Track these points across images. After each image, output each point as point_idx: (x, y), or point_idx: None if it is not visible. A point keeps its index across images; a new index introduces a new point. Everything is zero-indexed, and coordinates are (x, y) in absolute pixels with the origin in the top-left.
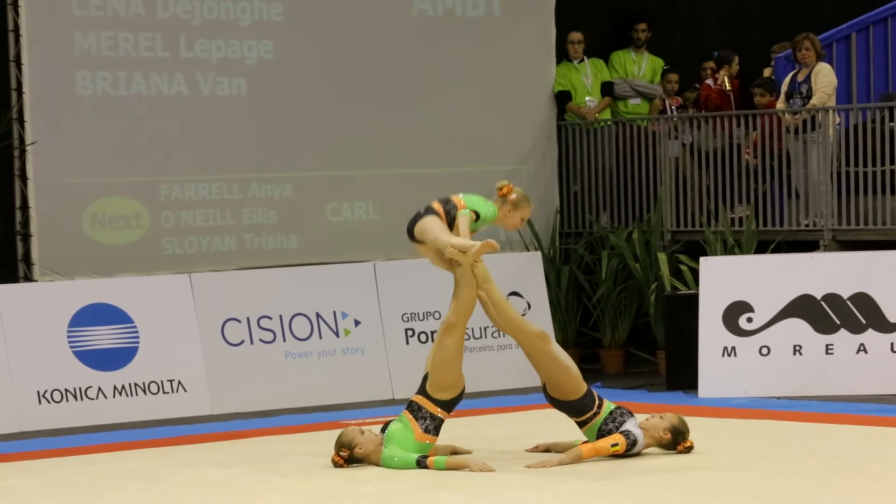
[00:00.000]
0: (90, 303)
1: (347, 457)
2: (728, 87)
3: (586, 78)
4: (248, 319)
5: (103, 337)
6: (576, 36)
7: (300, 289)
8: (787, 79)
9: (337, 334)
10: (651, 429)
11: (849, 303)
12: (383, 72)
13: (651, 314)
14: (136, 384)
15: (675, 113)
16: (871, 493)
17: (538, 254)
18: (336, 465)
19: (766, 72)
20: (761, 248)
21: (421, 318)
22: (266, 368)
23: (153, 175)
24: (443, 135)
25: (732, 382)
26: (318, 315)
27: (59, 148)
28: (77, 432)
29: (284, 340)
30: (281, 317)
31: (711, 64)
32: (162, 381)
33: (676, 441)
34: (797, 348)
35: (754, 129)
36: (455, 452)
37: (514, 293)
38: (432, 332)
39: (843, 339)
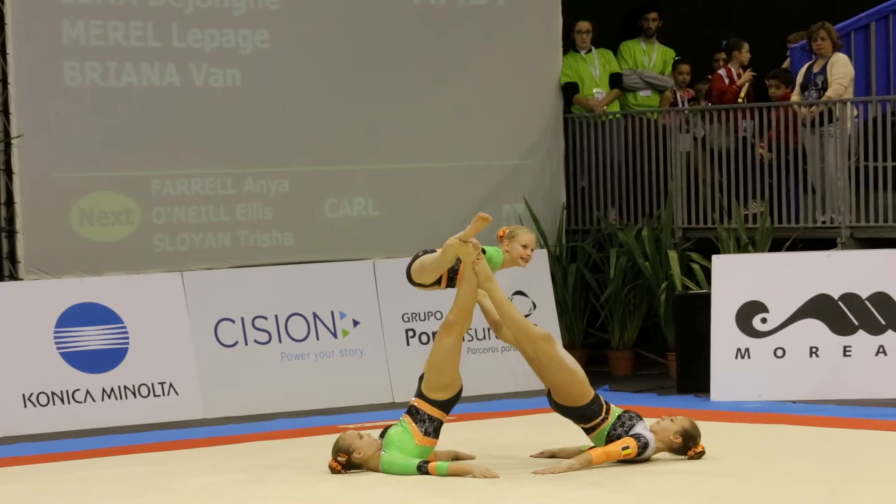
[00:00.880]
0: (78, 302)
1: (345, 462)
2: (742, 86)
3: (594, 69)
4: (242, 319)
5: (92, 338)
6: (583, 25)
7: (296, 288)
8: (803, 70)
9: (335, 335)
10: (661, 432)
11: (867, 303)
12: (383, 62)
13: (661, 314)
14: (125, 387)
15: (686, 105)
16: (890, 501)
17: (544, 252)
18: (333, 471)
19: (785, 63)
20: (776, 246)
21: (422, 318)
22: (261, 370)
23: (144, 169)
24: (445, 128)
25: (746, 385)
26: (315, 315)
27: (46, 141)
28: (64, 437)
29: (280, 341)
30: (276, 317)
31: (723, 55)
32: (153, 384)
33: (687, 446)
34: (813, 350)
35: (768, 123)
36: (457, 458)
37: (519, 292)
38: (434, 333)
39: (862, 341)
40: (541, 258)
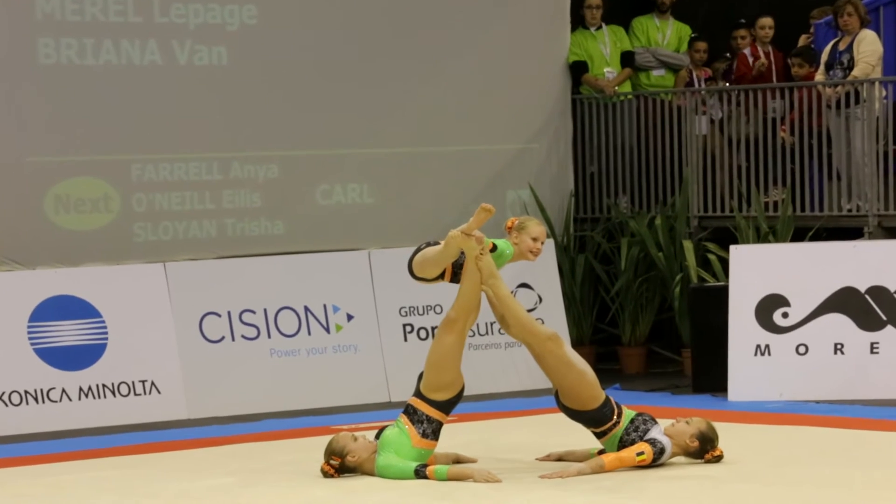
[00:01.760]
0: (53, 295)
1: (339, 466)
2: (763, 61)
3: (604, 47)
4: (228, 314)
5: (68, 333)
6: (593, 0)
7: (287, 280)
8: (828, 48)
9: (327, 330)
10: (676, 435)
11: None
12: (379, 40)
13: (675, 308)
14: (104, 385)
15: (703, 85)
16: None
17: (550, 241)
18: (326, 474)
19: (802, 39)
20: (798, 236)
21: (420, 312)
22: (249, 368)
23: (124, 153)
24: (445, 110)
25: (766, 384)
26: (306, 309)
27: (18, 123)
28: (38, 439)
29: (269, 337)
30: (265, 311)
31: (743, 32)
32: (133, 382)
33: (704, 449)
34: (838, 347)
35: (790, 104)
36: (458, 461)
37: (524, 285)
38: (433, 328)
39: (890, 337)
40: (548, 248)
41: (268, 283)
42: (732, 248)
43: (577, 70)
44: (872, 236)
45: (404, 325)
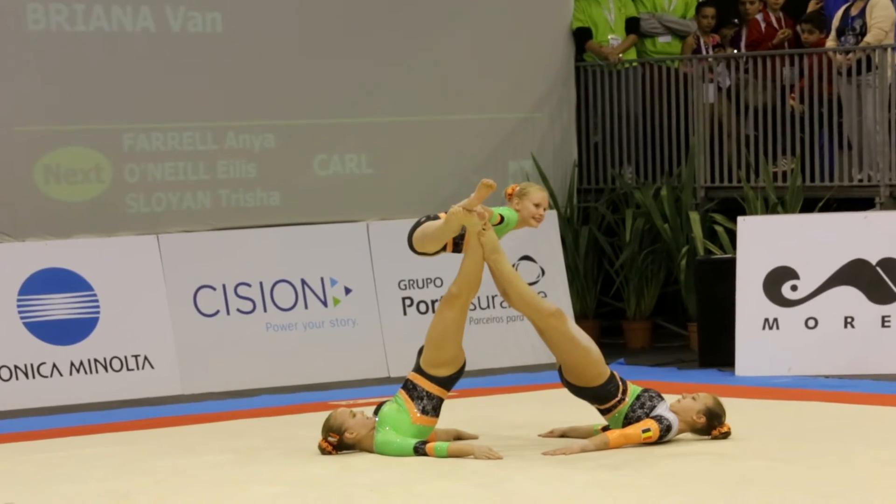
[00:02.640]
0: (43, 267)
1: (336, 442)
2: (787, 30)
3: (609, 12)
4: (223, 287)
5: (59, 306)
6: None
7: (283, 252)
8: (839, 13)
9: (325, 303)
10: (683, 412)
11: None
12: (379, 7)
13: (681, 281)
14: (96, 360)
15: (710, 52)
16: None
17: (553, 213)
18: (324, 451)
19: (812, 5)
20: (808, 207)
21: (420, 285)
22: (244, 342)
23: (115, 123)
24: (445, 78)
25: (774, 359)
26: (303, 282)
27: (6, 92)
28: (29, 415)
29: (265, 311)
30: (261, 284)
31: None
32: (126, 357)
33: (711, 425)
34: (848, 320)
35: (800, 72)
36: (458, 438)
37: (527, 257)
38: (433, 302)
39: None
40: (550, 220)
41: (264, 255)
42: (740, 219)
43: (581, 37)
44: (884, 207)
45: (403, 299)
